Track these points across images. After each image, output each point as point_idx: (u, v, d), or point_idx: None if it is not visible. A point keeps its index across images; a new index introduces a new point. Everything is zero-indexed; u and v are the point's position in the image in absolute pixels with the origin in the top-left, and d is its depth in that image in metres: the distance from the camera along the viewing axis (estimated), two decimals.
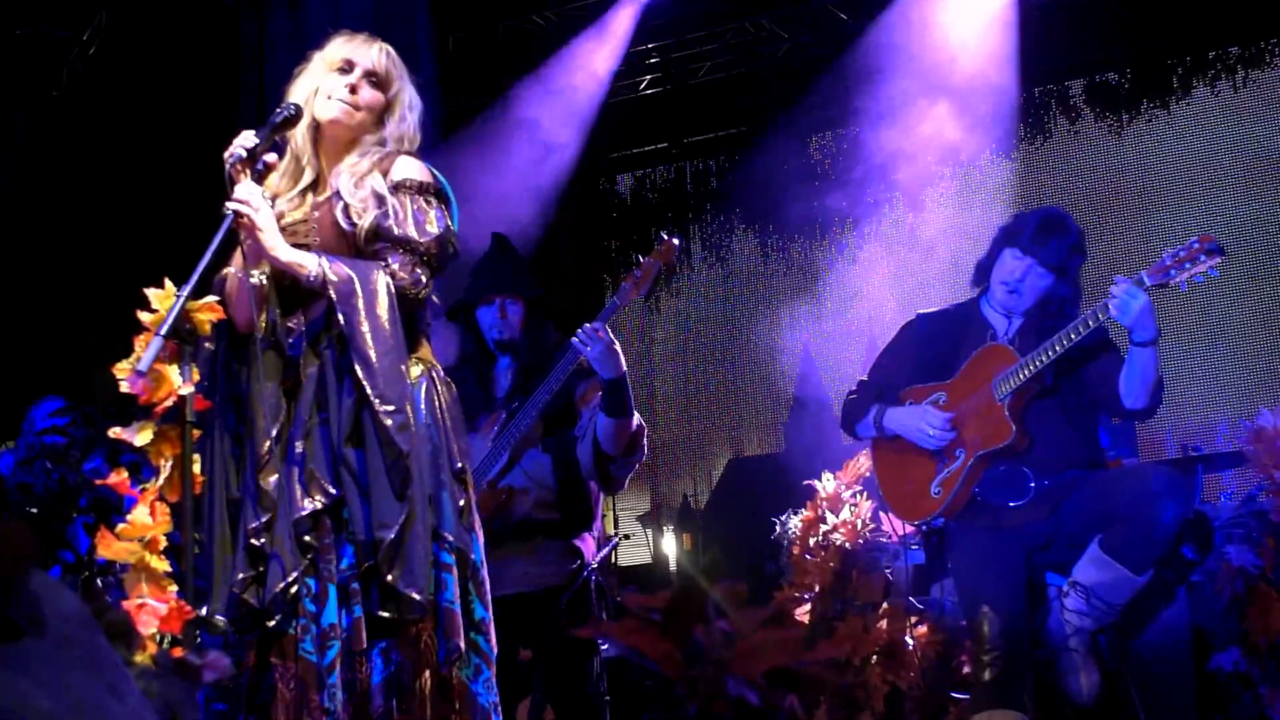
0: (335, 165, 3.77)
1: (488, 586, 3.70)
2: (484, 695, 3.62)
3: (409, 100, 3.85)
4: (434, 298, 3.80)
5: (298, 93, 3.79)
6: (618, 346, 5.04)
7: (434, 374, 3.74)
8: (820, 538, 5.50)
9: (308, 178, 3.79)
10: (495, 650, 3.69)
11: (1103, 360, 4.89)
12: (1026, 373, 4.80)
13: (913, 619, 5.29)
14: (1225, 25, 9.79)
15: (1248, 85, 9.83)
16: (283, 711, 3.52)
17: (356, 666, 3.48)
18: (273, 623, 3.51)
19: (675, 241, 5.21)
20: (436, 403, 3.69)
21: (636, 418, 5.13)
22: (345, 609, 3.48)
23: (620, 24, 9.96)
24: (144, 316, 3.36)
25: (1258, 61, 9.81)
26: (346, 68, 3.78)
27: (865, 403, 5.20)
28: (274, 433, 3.56)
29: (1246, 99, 9.82)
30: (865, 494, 5.56)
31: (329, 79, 3.77)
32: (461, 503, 3.67)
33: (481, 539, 3.73)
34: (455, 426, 3.75)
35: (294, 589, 3.50)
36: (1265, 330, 9.49)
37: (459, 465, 3.70)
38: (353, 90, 3.76)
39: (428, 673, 3.54)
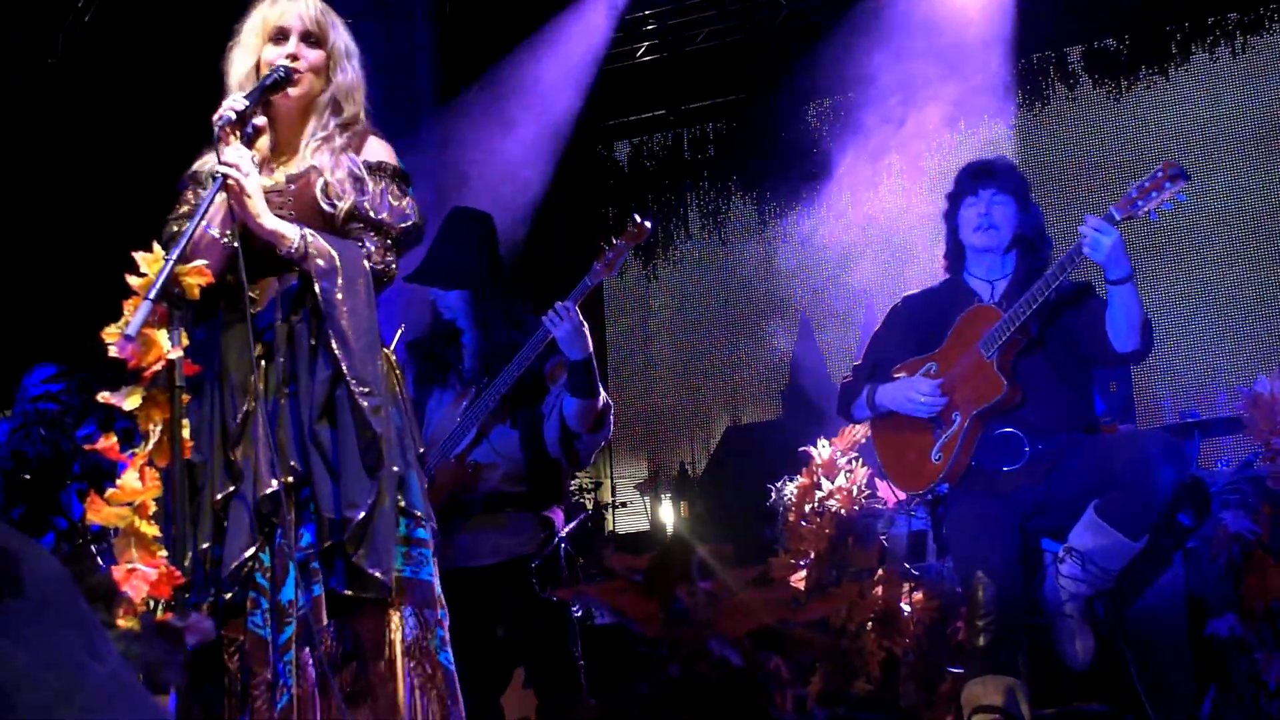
0: (295, 134, 3.74)
1: None
2: (445, 655, 3.65)
3: (345, 48, 3.79)
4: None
5: (236, 69, 3.74)
6: (585, 328, 5.04)
7: (390, 359, 3.74)
8: (816, 504, 5.49)
9: (266, 149, 3.75)
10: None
11: (1087, 308, 4.91)
12: (1012, 327, 4.80)
13: (908, 585, 5.28)
14: None
15: (1247, 51, 9.80)
16: (228, 682, 3.52)
17: (318, 643, 3.47)
18: (229, 595, 3.49)
19: (647, 224, 5.18)
20: (396, 386, 3.70)
21: (603, 396, 5.16)
22: (304, 587, 3.47)
23: None
24: (132, 281, 3.34)
25: (1257, 27, 9.78)
26: (281, 36, 3.72)
27: (859, 386, 5.21)
28: (245, 408, 3.54)
29: (1246, 65, 9.79)
30: (861, 460, 5.55)
31: (267, 51, 3.72)
32: (424, 484, 3.70)
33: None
34: (410, 410, 3.78)
35: (249, 564, 3.48)
36: (1264, 297, 9.48)
37: (421, 449, 3.74)
38: (294, 59, 3.70)
39: (397, 648, 3.54)
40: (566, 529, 5.31)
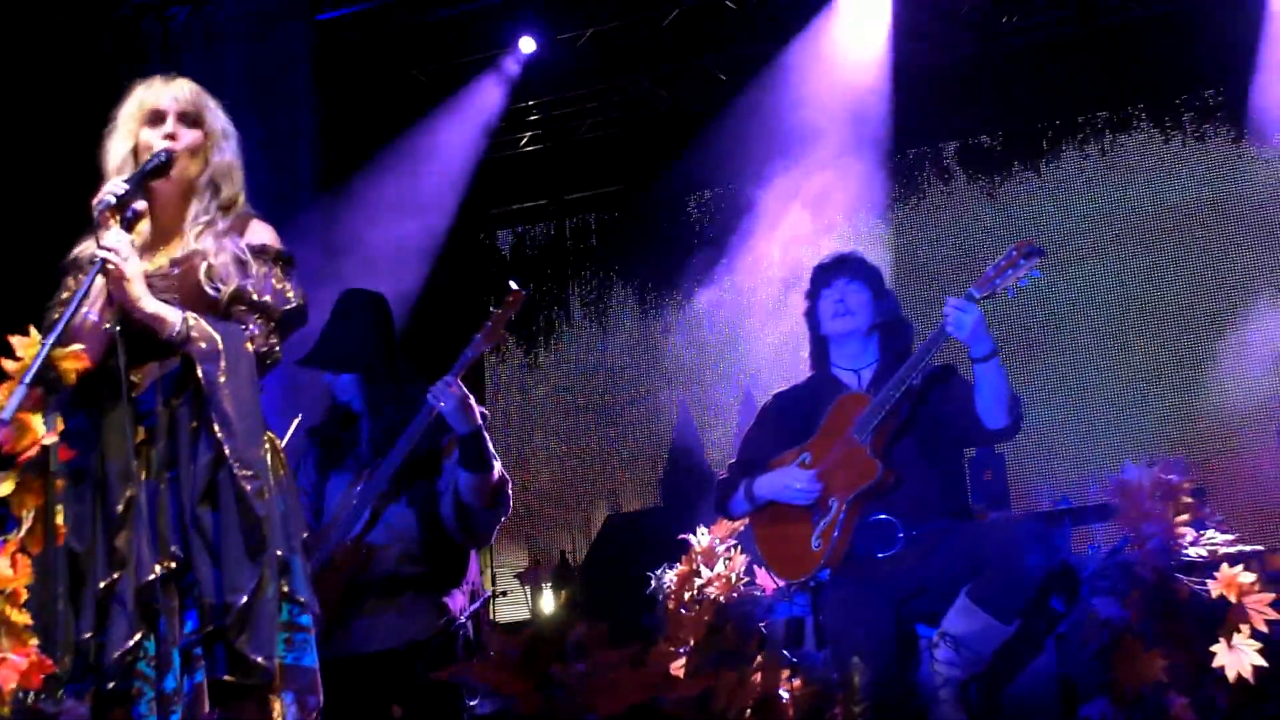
0: (176, 217, 3.73)
1: None
2: None
3: (223, 129, 3.80)
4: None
5: (113, 154, 3.73)
6: (472, 400, 5.02)
7: (273, 443, 3.72)
8: (694, 592, 5.50)
9: (147, 233, 3.73)
10: None
11: (953, 388, 5.02)
12: (883, 410, 4.89)
13: (786, 672, 5.29)
14: (1093, 92, 10.03)
15: (1115, 149, 10.06)
16: None
17: None
18: (111, 685, 3.43)
19: (524, 291, 5.20)
20: (279, 469, 3.68)
21: (498, 470, 5.11)
22: (188, 674, 3.42)
23: (499, 82, 10.01)
24: (7, 365, 3.30)
25: (1125, 126, 10.05)
26: (158, 118, 3.73)
27: (735, 481, 5.25)
28: (127, 494, 3.49)
29: (1114, 162, 10.05)
30: (740, 547, 5.57)
31: (144, 133, 3.72)
32: (308, 569, 3.68)
33: None
34: (295, 494, 3.78)
35: (133, 653, 3.43)
36: (1130, 386, 9.68)
37: (305, 533, 3.74)
38: (172, 138, 3.71)
39: None
40: (466, 612, 5.23)
